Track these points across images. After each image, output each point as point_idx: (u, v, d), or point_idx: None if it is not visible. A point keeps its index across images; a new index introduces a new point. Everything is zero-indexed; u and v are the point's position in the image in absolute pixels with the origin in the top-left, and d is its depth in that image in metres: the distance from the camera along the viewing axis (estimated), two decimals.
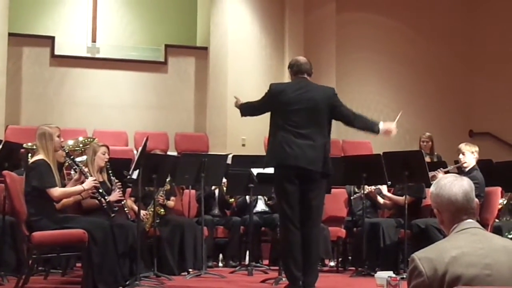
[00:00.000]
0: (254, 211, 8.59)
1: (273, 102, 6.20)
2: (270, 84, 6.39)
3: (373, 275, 5.64)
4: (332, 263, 8.93)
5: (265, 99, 6.33)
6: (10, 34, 11.80)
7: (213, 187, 8.84)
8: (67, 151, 6.49)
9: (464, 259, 2.55)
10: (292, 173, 6.06)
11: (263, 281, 6.96)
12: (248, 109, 6.66)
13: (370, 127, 6.40)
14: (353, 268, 8.22)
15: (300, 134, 6.06)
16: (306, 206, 6.11)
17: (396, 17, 14.25)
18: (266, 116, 6.37)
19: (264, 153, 10.50)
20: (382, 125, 6.38)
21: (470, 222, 2.72)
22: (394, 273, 5.09)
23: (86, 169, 6.57)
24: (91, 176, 6.52)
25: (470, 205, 2.75)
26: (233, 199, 8.95)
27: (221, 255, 8.93)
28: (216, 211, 8.94)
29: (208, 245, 8.26)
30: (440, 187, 2.79)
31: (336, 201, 8.93)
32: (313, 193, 6.12)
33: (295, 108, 6.11)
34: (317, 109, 6.16)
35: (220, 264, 8.83)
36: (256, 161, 7.72)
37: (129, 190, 7.82)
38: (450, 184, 2.77)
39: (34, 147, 6.65)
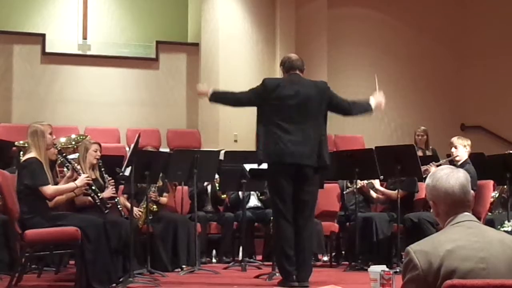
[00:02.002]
0: (247, 206, 8.59)
1: (267, 97, 6.20)
2: (264, 79, 6.39)
3: (366, 270, 5.65)
4: (325, 258, 8.94)
5: (258, 92, 6.29)
6: (0, 32, 11.76)
7: (205, 183, 8.83)
8: (59, 149, 6.49)
9: (459, 253, 2.55)
10: (287, 170, 6.08)
11: (256, 277, 6.96)
12: (226, 98, 6.59)
13: (366, 110, 6.61)
14: (347, 262, 8.23)
15: (294, 130, 6.10)
16: (300, 202, 6.15)
17: (387, 12, 14.25)
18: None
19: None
20: (373, 102, 6.58)
21: (466, 215, 2.72)
22: (387, 267, 5.09)
23: (78, 167, 6.56)
24: (83, 173, 6.51)
25: (467, 198, 2.75)
26: (225, 195, 8.95)
27: (214, 251, 8.93)
28: (209, 207, 8.94)
29: (201, 241, 8.26)
30: (437, 179, 2.78)
31: (328, 195, 8.94)
32: (307, 189, 6.17)
33: (289, 103, 6.15)
34: (311, 104, 6.22)
35: (214, 260, 8.82)
36: (249, 156, 7.73)
37: (121, 187, 7.81)
38: (446, 177, 2.76)
39: (26, 145, 6.63)
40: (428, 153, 10.01)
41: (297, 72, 6.35)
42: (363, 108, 6.58)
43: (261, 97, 6.24)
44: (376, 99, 6.61)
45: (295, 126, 6.13)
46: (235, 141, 12.21)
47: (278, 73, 12.49)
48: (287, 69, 6.40)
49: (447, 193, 2.75)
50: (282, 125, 6.11)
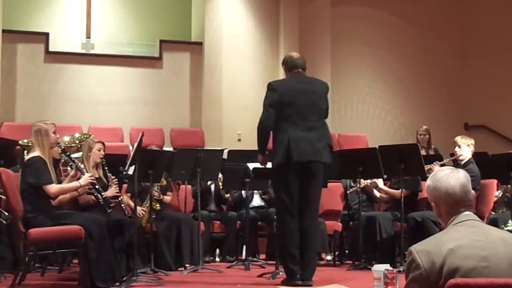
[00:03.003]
0: (250, 205, 8.59)
1: (280, 98, 6.19)
2: (269, 84, 6.38)
3: (370, 269, 5.64)
4: (329, 257, 8.93)
5: (274, 99, 6.20)
6: (4, 31, 11.78)
7: (209, 182, 8.83)
8: (62, 148, 6.49)
9: (461, 252, 2.56)
10: (297, 167, 6.10)
11: (260, 276, 6.97)
12: (266, 136, 6.29)
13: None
14: (350, 261, 8.22)
15: (307, 127, 6.17)
16: (306, 198, 6.17)
17: (390, 10, 14.25)
18: (261, 110, 6.36)
19: None
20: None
21: (468, 215, 2.73)
22: (391, 266, 5.08)
23: (82, 166, 6.56)
24: (87, 172, 6.52)
25: (468, 197, 2.76)
26: (228, 195, 8.95)
27: (218, 250, 8.93)
28: (212, 206, 8.94)
29: (205, 240, 8.26)
30: (437, 180, 2.79)
31: (332, 195, 8.95)
32: (313, 186, 6.23)
33: (300, 102, 6.18)
34: (319, 101, 6.28)
35: (217, 259, 8.82)
36: (252, 155, 7.72)
37: (125, 186, 7.81)
38: (447, 177, 2.78)
39: (30, 144, 6.63)
40: (431, 152, 9.99)
41: (300, 70, 6.37)
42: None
43: (278, 101, 6.19)
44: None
45: (307, 124, 6.17)
46: (239, 140, 12.21)
47: (281, 72, 12.51)
48: (290, 68, 6.40)
49: (448, 193, 2.76)
50: (296, 123, 6.14)
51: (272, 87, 6.28)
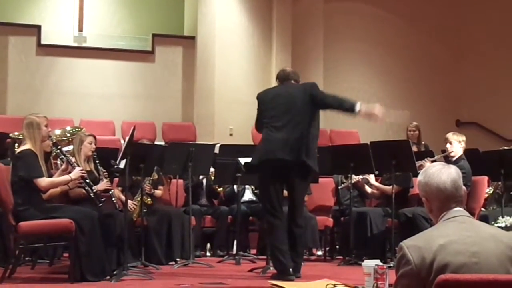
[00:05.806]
0: (242, 200, 8.60)
1: (260, 106, 6.49)
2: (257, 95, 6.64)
3: (360, 264, 5.65)
4: (319, 252, 8.94)
5: (258, 108, 6.53)
6: None
7: (200, 177, 8.83)
8: (54, 141, 6.47)
9: (452, 247, 2.56)
10: (273, 167, 6.20)
11: (250, 270, 6.97)
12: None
13: (345, 108, 6.37)
14: (341, 257, 8.25)
15: (276, 128, 6.28)
16: (290, 199, 6.30)
17: (383, 7, 14.26)
18: (253, 105, 6.52)
19: (251, 143, 10.66)
20: (360, 106, 6.24)
21: (459, 210, 2.74)
22: (381, 261, 5.09)
23: (73, 159, 6.54)
24: (78, 166, 6.50)
25: (459, 193, 2.77)
26: (221, 189, 8.95)
27: (208, 245, 8.93)
28: (203, 200, 8.94)
29: (196, 234, 8.26)
30: (429, 175, 2.80)
31: (323, 190, 8.96)
32: (296, 187, 6.38)
33: (272, 104, 6.37)
34: (294, 103, 6.38)
35: (208, 254, 8.83)
36: (244, 150, 7.73)
37: (116, 179, 7.80)
38: (438, 173, 2.78)
39: (21, 137, 6.62)
40: (421, 148, 10.02)
41: (292, 82, 6.54)
42: (344, 106, 6.37)
43: (260, 109, 6.49)
44: (371, 108, 6.31)
45: (277, 124, 6.31)
46: (230, 134, 12.21)
47: (273, 67, 12.48)
48: (282, 80, 6.64)
49: (439, 188, 2.76)
50: (268, 125, 6.34)
51: (257, 97, 6.57)
